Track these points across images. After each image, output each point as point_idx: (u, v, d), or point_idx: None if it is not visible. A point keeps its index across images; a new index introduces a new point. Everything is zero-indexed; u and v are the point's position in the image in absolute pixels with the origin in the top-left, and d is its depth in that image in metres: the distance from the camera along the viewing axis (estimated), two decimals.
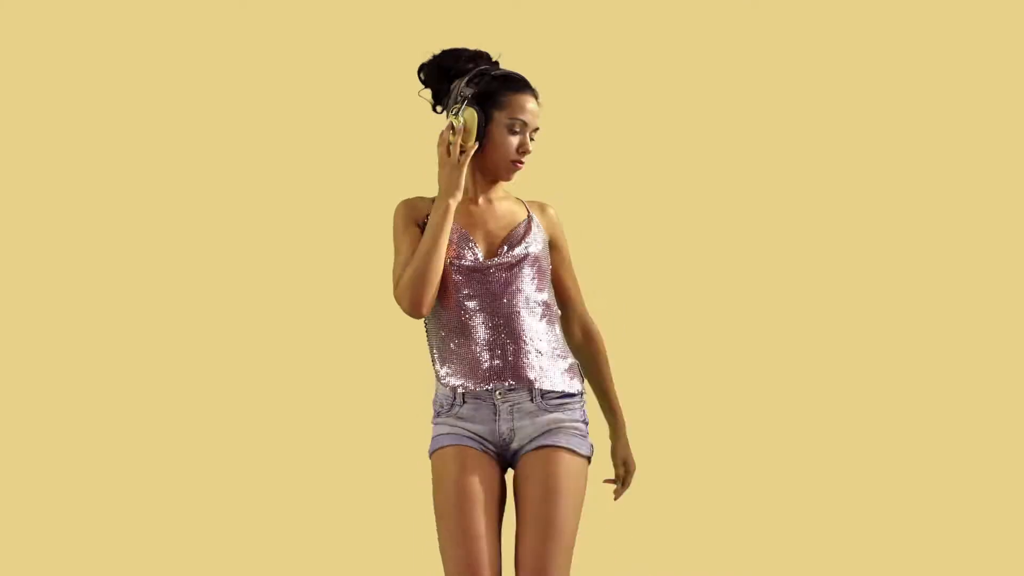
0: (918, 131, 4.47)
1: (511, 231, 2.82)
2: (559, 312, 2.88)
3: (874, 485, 4.27)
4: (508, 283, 2.77)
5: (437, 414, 2.80)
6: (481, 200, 2.85)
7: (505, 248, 2.79)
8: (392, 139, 4.17)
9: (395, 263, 2.79)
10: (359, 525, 4.13)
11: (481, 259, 2.77)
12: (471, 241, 2.79)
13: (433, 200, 2.79)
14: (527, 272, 2.79)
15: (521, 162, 2.79)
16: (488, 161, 2.80)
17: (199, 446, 4.25)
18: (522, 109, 2.77)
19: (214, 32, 4.38)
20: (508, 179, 2.83)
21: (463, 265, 2.76)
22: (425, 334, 2.85)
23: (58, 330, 4.33)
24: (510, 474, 2.81)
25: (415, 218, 2.80)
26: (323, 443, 4.21)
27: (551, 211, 2.92)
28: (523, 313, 2.77)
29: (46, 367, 4.31)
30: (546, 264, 2.85)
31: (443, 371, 2.78)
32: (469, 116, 2.75)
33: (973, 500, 4.25)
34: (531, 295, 2.79)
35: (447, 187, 2.74)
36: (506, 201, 2.88)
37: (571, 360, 2.84)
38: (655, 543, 4.04)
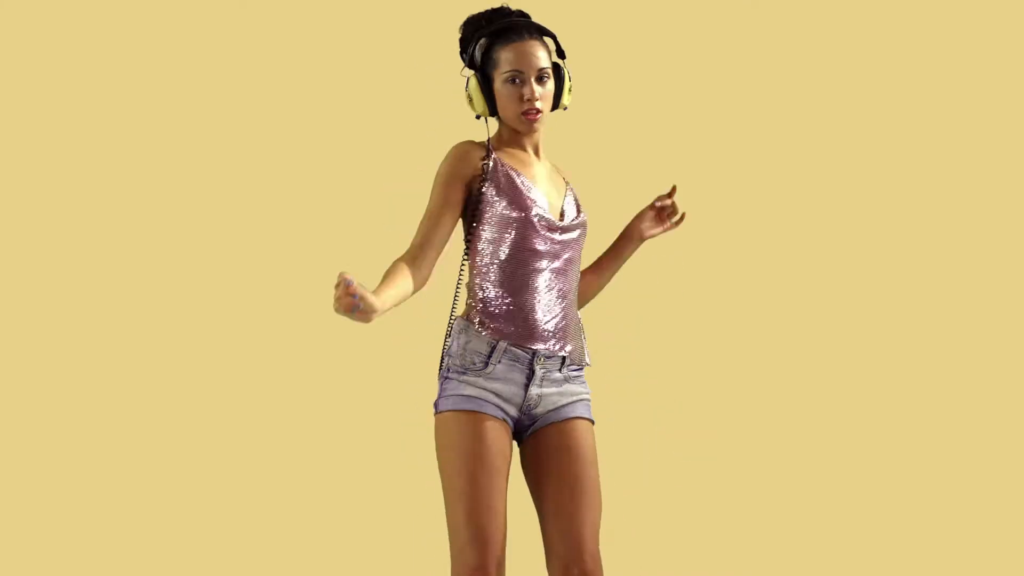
0: (926, 130, 4.44)
1: (565, 195, 2.82)
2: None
3: (874, 486, 4.25)
4: (569, 248, 2.77)
5: (464, 370, 2.72)
6: (532, 154, 2.82)
7: (569, 213, 2.79)
8: (392, 139, 4.19)
9: (423, 215, 2.73)
10: (356, 524, 4.11)
11: (553, 218, 2.75)
12: (541, 195, 2.75)
13: (485, 145, 2.76)
14: (577, 245, 2.80)
15: (532, 111, 2.72)
16: (506, 120, 2.77)
17: (197, 446, 4.24)
18: (514, 59, 2.72)
19: (214, 32, 4.35)
20: (530, 131, 2.77)
21: (542, 218, 2.73)
22: (460, 285, 2.78)
23: (57, 330, 4.31)
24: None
25: (463, 173, 2.73)
26: (321, 442, 4.20)
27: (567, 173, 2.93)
28: (572, 281, 2.79)
29: (45, 367, 4.30)
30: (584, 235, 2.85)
31: (487, 324, 2.71)
32: (472, 87, 2.75)
33: (973, 500, 4.23)
34: (576, 266, 2.81)
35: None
36: (548, 163, 2.86)
37: (583, 336, 2.85)
38: (655, 543, 4.03)
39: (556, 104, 2.79)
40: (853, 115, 4.45)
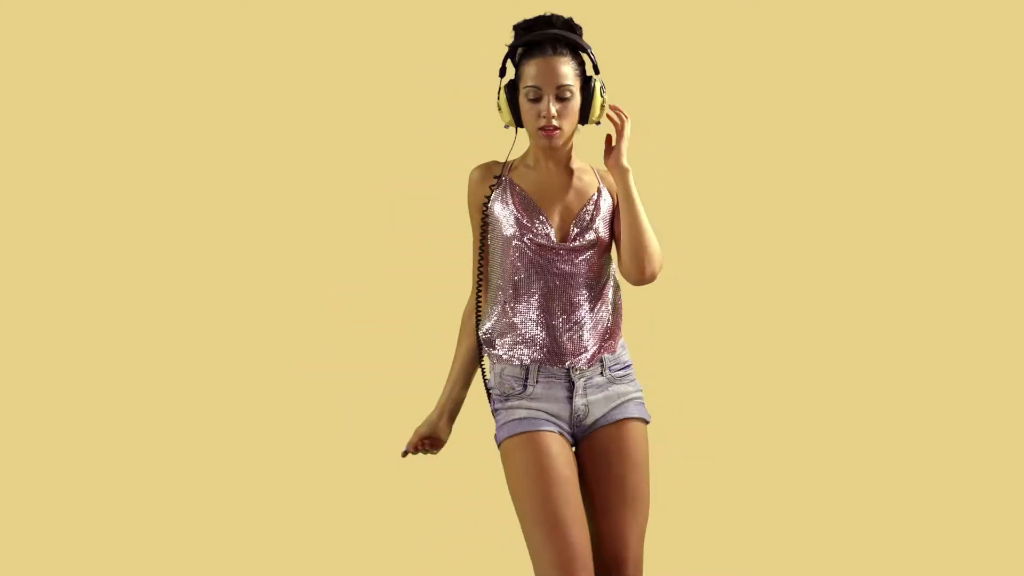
0: (929, 130, 4.42)
1: (581, 209, 2.76)
2: (617, 285, 2.84)
3: (875, 487, 4.22)
4: (578, 264, 2.74)
5: (506, 397, 2.73)
6: (553, 168, 2.78)
7: (576, 231, 2.74)
8: (393, 137, 4.17)
9: (472, 251, 2.83)
10: (357, 524, 4.11)
11: (553, 238, 2.73)
12: (543, 215, 2.74)
13: (504, 164, 2.78)
14: (594, 256, 2.76)
15: (549, 128, 2.68)
16: (528, 135, 2.76)
17: (198, 446, 4.22)
18: (535, 75, 2.68)
19: (214, 32, 4.34)
20: (546, 146, 2.72)
21: (536, 244, 2.72)
22: (477, 316, 2.79)
23: (58, 330, 4.29)
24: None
25: (479, 200, 2.77)
26: (323, 442, 4.19)
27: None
28: (590, 293, 2.75)
29: (47, 367, 4.26)
30: (610, 239, 2.79)
31: (511, 351, 2.72)
32: (501, 99, 2.74)
33: (973, 500, 4.19)
34: (598, 275, 2.76)
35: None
36: (579, 171, 2.81)
37: (621, 335, 2.82)
38: (657, 543, 4.02)
39: (585, 119, 2.76)
40: (871, 120, 4.41)
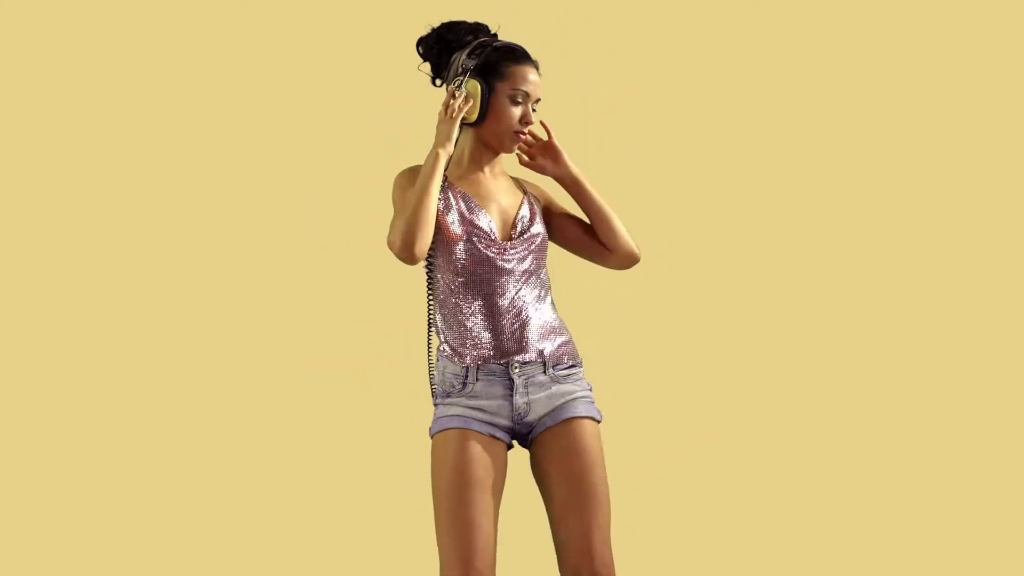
0: (928, 132, 4.39)
1: (519, 209, 2.81)
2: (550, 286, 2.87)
3: (875, 488, 4.19)
4: (522, 261, 2.75)
5: (446, 395, 2.74)
6: (488, 172, 2.82)
7: (519, 227, 2.78)
8: (386, 129, 4.15)
9: (393, 219, 2.76)
10: (355, 522, 4.09)
11: (497, 235, 2.76)
12: (485, 214, 2.76)
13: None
14: (537, 252, 2.79)
15: (524, 133, 2.77)
16: (491, 133, 2.77)
17: (197, 446, 4.18)
18: (524, 80, 2.74)
19: (214, 32, 4.31)
20: (511, 150, 2.80)
21: (481, 238, 2.74)
22: (428, 315, 2.80)
23: (57, 331, 4.23)
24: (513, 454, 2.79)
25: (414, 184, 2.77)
26: (321, 441, 4.17)
27: (532, 184, 2.92)
28: (532, 290, 2.76)
29: (47, 368, 4.20)
30: (546, 241, 2.84)
31: (453, 347, 2.74)
32: (472, 87, 2.73)
33: (973, 501, 4.17)
34: (538, 273, 2.79)
35: (439, 139, 2.71)
36: (505, 177, 2.87)
37: (567, 334, 2.83)
38: (656, 544, 4.01)
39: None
40: (853, 118, 4.36)
